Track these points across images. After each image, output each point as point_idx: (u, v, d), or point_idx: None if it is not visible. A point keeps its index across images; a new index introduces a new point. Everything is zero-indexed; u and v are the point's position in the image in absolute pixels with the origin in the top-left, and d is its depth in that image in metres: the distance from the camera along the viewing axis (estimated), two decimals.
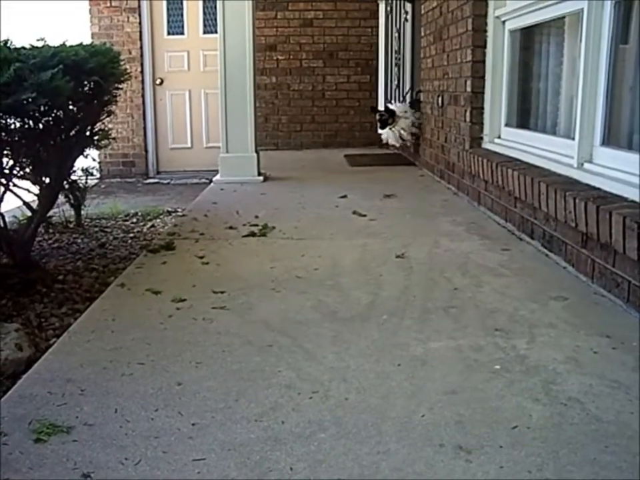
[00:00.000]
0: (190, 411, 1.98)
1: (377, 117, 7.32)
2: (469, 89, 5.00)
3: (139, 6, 9.92)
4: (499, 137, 4.81)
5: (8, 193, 3.63)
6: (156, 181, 10.07)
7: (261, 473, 1.66)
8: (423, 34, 6.87)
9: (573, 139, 3.51)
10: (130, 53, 9.73)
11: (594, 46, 3.29)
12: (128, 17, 9.91)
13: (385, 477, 1.64)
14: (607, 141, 3.29)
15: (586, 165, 3.38)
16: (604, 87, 3.26)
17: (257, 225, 4.33)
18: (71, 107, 3.71)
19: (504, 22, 4.70)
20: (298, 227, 4.33)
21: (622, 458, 1.70)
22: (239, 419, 1.93)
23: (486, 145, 4.91)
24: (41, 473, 1.67)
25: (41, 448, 1.79)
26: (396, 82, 8.31)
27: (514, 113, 4.74)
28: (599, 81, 3.29)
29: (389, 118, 7.12)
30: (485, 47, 4.87)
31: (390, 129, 7.13)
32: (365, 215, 4.62)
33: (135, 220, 5.93)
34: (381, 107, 8.25)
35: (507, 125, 4.77)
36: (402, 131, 7.10)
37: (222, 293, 3.03)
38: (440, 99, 6.00)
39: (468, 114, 5.03)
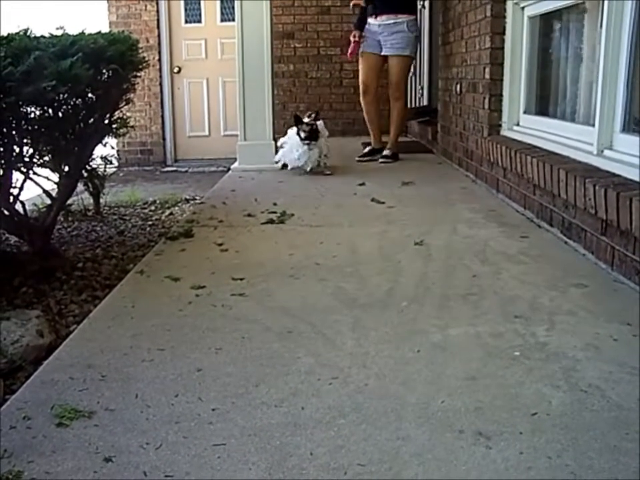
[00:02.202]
0: (210, 396, 1.99)
1: (304, 127, 5.91)
2: (487, 76, 4.97)
3: None
4: (518, 124, 4.78)
5: (28, 181, 3.65)
6: (174, 169, 10.10)
7: (281, 458, 1.67)
8: (441, 21, 6.84)
9: (593, 125, 3.48)
10: (147, 41, 9.75)
11: (615, 31, 3.26)
12: (145, 6, 9.93)
13: (404, 462, 1.64)
14: (628, 127, 3.26)
15: (606, 152, 3.36)
16: (625, 73, 3.23)
17: (275, 213, 4.34)
18: (89, 95, 3.72)
19: (523, 8, 4.66)
20: (316, 214, 4.33)
21: None
22: (259, 405, 1.93)
23: (504, 132, 4.89)
24: (63, 457, 1.69)
25: (63, 432, 1.80)
26: (412, 71, 8.25)
27: (533, 100, 4.70)
28: (619, 67, 3.26)
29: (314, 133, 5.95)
30: (503, 33, 4.84)
31: (309, 147, 5.92)
32: (383, 202, 4.62)
33: (153, 208, 5.95)
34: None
35: (525, 112, 4.74)
36: (322, 153, 6.07)
37: (241, 279, 3.04)
38: (458, 86, 5.98)
39: (486, 101, 5.00)
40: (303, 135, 5.89)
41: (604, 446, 1.70)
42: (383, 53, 6.56)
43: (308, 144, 5.90)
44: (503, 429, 1.78)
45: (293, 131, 6.08)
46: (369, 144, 7.13)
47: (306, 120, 6.03)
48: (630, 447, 1.69)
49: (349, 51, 6.67)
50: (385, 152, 6.82)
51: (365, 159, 6.88)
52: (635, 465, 1.62)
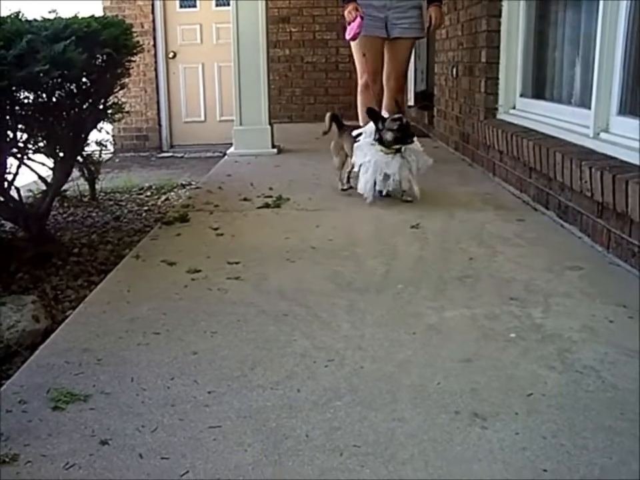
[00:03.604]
0: (206, 379, 1.99)
1: (391, 124, 4.02)
2: (483, 59, 4.95)
3: None
4: (514, 108, 4.78)
5: (23, 167, 3.64)
6: (170, 154, 10.08)
7: (277, 440, 1.67)
8: None
9: (589, 108, 3.47)
10: (142, 26, 9.71)
11: (612, 13, 3.25)
12: None
13: (400, 443, 1.65)
14: (624, 110, 3.26)
15: (602, 135, 3.35)
16: (621, 56, 3.23)
17: (271, 197, 4.33)
18: (84, 80, 3.70)
19: None
20: (312, 199, 4.32)
21: (637, 425, 1.70)
22: (255, 387, 1.93)
23: (501, 115, 4.88)
24: (59, 440, 1.69)
25: (59, 415, 1.80)
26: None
27: (529, 83, 4.69)
28: (616, 49, 3.25)
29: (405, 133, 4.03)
30: (500, 16, 4.82)
31: (401, 154, 4.03)
32: None
33: (149, 193, 5.94)
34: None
35: (522, 95, 4.73)
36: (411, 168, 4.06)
37: (237, 263, 3.03)
38: (454, 69, 5.96)
39: (483, 84, 4.99)
40: (390, 135, 3.97)
41: (599, 426, 1.70)
42: (393, 35, 5.07)
43: (397, 150, 4.00)
44: (498, 409, 1.79)
45: (365, 141, 4.12)
46: None
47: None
48: (624, 426, 1.69)
49: (350, 33, 4.86)
50: None
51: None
52: (629, 444, 1.62)
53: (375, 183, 4.05)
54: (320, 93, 9.59)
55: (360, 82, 5.24)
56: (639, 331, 2.24)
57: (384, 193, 4.17)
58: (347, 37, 4.97)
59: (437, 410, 1.79)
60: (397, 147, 4.01)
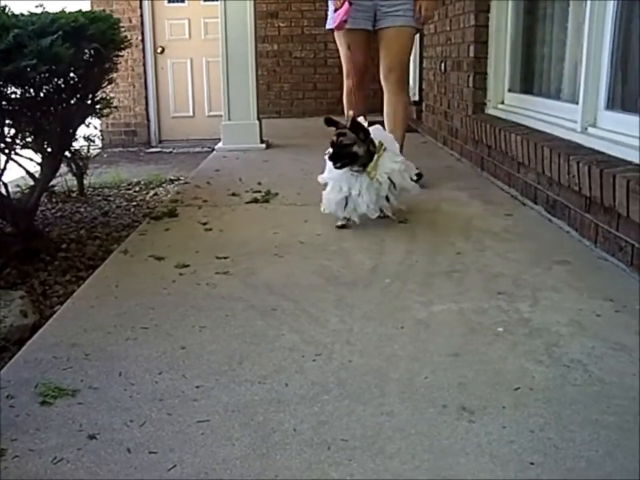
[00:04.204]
0: (194, 373, 1.99)
1: (334, 137, 3.45)
2: (472, 54, 4.96)
3: None
4: (502, 103, 4.79)
5: (11, 162, 3.62)
6: (158, 150, 10.05)
7: (265, 434, 1.67)
8: None
9: (577, 103, 3.48)
10: (130, 21, 9.67)
11: (599, 8, 3.26)
12: None
13: (388, 437, 1.65)
14: (612, 104, 3.27)
15: (590, 129, 3.37)
16: (609, 51, 3.24)
17: (259, 192, 4.32)
18: (71, 75, 3.69)
19: None
20: (301, 193, 4.32)
21: (624, 419, 1.71)
22: (243, 382, 1.94)
23: (489, 110, 4.89)
24: (47, 434, 1.69)
25: (47, 410, 1.80)
26: None
27: (517, 78, 4.71)
28: (603, 45, 3.27)
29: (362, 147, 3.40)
30: (488, 11, 4.83)
31: (366, 171, 3.42)
32: None
33: (137, 189, 5.93)
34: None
35: (510, 90, 4.74)
36: (389, 187, 3.46)
37: (225, 258, 3.03)
38: (443, 65, 5.97)
39: (471, 79, 5.00)
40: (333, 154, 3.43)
41: (585, 419, 1.71)
42: (380, 26, 4.42)
43: (339, 167, 3.44)
44: (486, 403, 1.79)
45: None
46: None
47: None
48: (611, 420, 1.70)
49: (336, 20, 4.31)
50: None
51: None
52: (615, 437, 1.63)
53: (345, 204, 3.48)
54: (308, 88, 9.58)
55: (345, 83, 4.61)
56: (639, 329, 2.25)
57: (352, 218, 3.51)
58: (331, 25, 4.38)
59: (424, 404, 1.80)
60: (337, 165, 3.44)
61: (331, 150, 3.42)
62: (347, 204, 3.47)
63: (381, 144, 3.46)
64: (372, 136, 3.46)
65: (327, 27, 4.53)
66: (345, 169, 3.42)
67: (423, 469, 1.53)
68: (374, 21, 4.40)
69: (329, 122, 3.52)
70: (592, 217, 3.04)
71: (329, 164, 3.50)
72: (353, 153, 3.37)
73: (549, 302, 2.47)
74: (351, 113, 4.26)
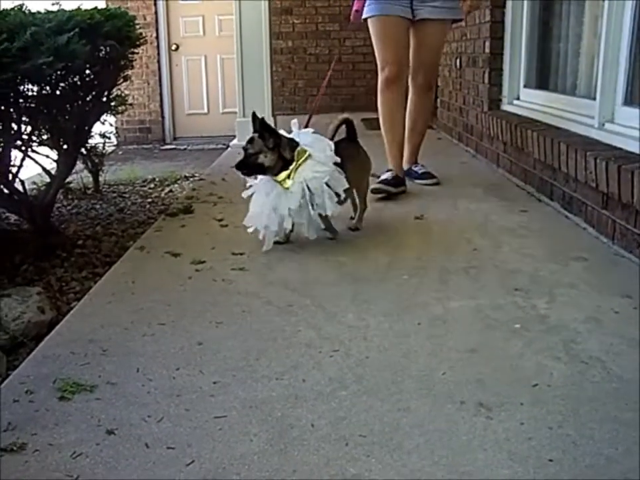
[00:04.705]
0: (211, 369, 1.99)
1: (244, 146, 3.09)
2: (487, 50, 4.94)
3: None
4: (518, 99, 4.76)
5: (27, 159, 3.64)
6: (173, 146, 10.08)
7: (283, 430, 1.68)
8: None
9: (594, 98, 3.46)
10: (145, 18, 9.69)
11: (617, 3, 3.23)
12: None
13: (405, 433, 1.65)
14: (630, 100, 3.25)
15: (607, 125, 3.35)
16: (627, 45, 3.21)
17: None
18: (87, 72, 3.70)
19: None
20: None
21: None
22: (260, 377, 1.94)
23: (505, 106, 4.87)
24: (66, 429, 1.69)
25: (65, 405, 1.81)
26: None
27: (533, 74, 4.68)
28: (621, 39, 3.24)
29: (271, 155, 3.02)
30: (504, 6, 4.81)
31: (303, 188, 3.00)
32: None
33: (152, 185, 5.94)
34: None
35: (525, 86, 4.71)
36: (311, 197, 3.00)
37: (241, 254, 3.03)
38: (458, 60, 5.94)
39: (486, 75, 4.98)
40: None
41: (604, 416, 1.70)
42: (416, 17, 4.05)
43: (246, 174, 3.13)
44: (503, 400, 1.79)
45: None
46: (387, 171, 4.20)
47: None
48: (630, 417, 1.69)
49: (353, 11, 4.10)
50: (418, 169, 4.47)
51: (385, 191, 4.04)
52: (635, 434, 1.62)
53: (277, 222, 3.04)
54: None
55: (380, 77, 4.22)
56: (639, 320, 2.24)
57: (281, 238, 3.18)
58: (351, 16, 4.15)
59: (442, 400, 1.80)
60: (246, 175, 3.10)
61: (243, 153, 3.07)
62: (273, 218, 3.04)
63: (304, 151, 3.03)
64: (299, 141, 3.09)
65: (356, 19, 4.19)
66: (268, 177, 3.06)
67: (441, 464, 1.53)
68: (411, 9, 4.03)
69: (258, 123, 3.06)
70: (609, 213, 3.02)
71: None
72: (258, 164, 3.02)
73: (566, 298, 2.46)
74: (383, 110, 4.21)
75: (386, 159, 4.27)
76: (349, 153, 3.25)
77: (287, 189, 2.99)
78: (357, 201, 3.47)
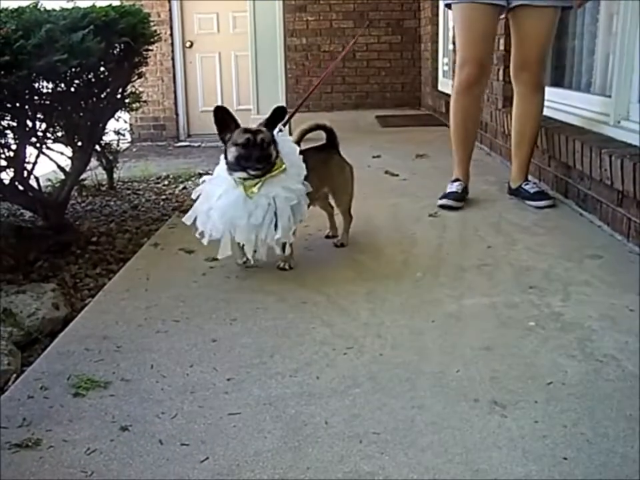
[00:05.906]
0: (225, 366, 2.00)
1: (239, 137, 2.67)
2: (501, 48, 4.92)
3: None
4: None
5: (42, 156, 3.65)
6: (187, 144, 10.07)
7: (296, 427, 1.68)
8: None
9: (609, 96, 3.45)
10: (159, 15, 9.69)
11: (634, 2, 3.22)
12: None
13: (419, 430, 1.65)
14: None
15: (622, 123, 3.33)
16: None
17: None
18: (102, 69, 3.71)
19: None
20: None
21: None
22: (274, 374, 1.94)
23: None
24: (80, 425, 1.70)
25: (79, 402, 1.82)
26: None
27: (547, 71, 4.64)
28: (637, 38, 3.22)
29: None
30: None
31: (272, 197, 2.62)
32: (397, 175, 4.60)
33: (166, 182, 5.94)
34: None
35: None
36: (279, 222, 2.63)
37: (254, 251, 3.03)
38: None
39: (500, 73, 4.96)
40: (232, 153, 2.66)
41: (619, 415, 1.70)
42: (515, 3, 3.45)
43: (246, 178, 2.64)
44: (518, 398, 1.78)
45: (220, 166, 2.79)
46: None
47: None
48: None
49: None
50: (529, 187, 3.77)
51: (453, 203, 3.68)
52: None
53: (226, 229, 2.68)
54: (337, 82, 9.54)
55: (456, 77, 3.71)
56: (639, 317, 2.23)
57: (250, 261, 2.76)
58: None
59: (456, 398, 1.79)
60: (249, 175, 2.63)
61: (243, 151, 2.62)
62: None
63: (282, 162, 2.68)
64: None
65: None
66: (233, 187, 2.65)
67: (455, 462, 1.52)
68: None
69: (220, 113, 2.81)
70: (624, 211, 3.00)
71: (220, 169, 2.76)
72: (269, 154, 2.63)
73: (580, 296, 2.45)
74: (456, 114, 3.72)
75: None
76: (329, 165, 3.11)
77: (251, 197, 2.60)
78: (339, 212, 3.17)
